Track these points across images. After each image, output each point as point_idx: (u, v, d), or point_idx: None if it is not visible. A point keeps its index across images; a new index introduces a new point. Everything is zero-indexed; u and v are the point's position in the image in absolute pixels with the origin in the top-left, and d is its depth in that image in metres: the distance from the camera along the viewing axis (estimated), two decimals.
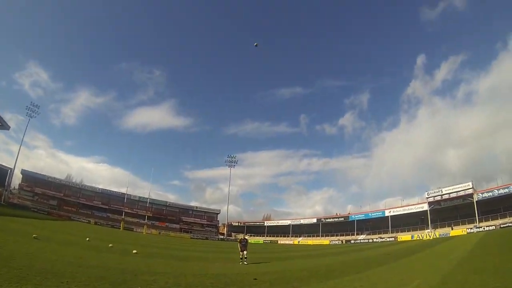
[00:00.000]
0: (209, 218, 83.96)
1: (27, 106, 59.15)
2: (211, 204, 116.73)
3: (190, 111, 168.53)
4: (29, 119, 59.29)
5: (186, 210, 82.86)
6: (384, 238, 53.75)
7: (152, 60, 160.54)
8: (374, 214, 59.89)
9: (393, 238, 52.02)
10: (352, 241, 56.44)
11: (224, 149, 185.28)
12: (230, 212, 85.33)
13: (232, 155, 79.16)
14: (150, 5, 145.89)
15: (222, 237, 75.20)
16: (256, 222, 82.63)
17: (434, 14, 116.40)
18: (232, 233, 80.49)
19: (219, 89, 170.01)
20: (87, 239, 19.30)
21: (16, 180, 64.82)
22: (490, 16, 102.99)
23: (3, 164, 57.22)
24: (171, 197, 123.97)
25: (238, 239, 20.43)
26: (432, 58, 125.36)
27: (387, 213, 56.60)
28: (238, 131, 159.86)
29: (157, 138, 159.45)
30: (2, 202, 44.27)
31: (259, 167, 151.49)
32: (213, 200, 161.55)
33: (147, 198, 75.65)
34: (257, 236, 75.16)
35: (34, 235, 14.39)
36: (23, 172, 66.00)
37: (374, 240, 53.60)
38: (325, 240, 61.11)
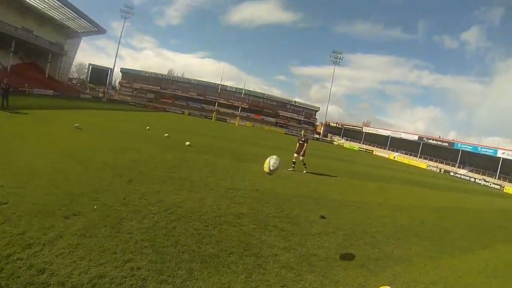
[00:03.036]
0: (307, 114, 79.95)
1: (121, 9, 60.26)
2: (315, 102, 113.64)
3: (299, 6, 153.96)
4: (124, 21, 61.29)
5: (284, 104, 79.64)
6: (489, 182, 40.06)
7: None
8: (484, 150, 42.50)
9: (499, 186, 38.24)
10: (452, 173, 44.42)
11: (333, 47, 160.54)
12: (332, 112, 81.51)
13: (337, 51, 69.95)
14: None
15: (317, 136, 73.05)
16: (354, 127, 74.95)
17: None
18: (329, 134, 77.23)
19: None
20: (147, 128, 17.75)
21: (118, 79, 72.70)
22: None
23: (104, 65, 63.33)
24: (276, 92, 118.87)
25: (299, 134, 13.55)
26: None
27: (499, 154, 39.02)
28: (349, 30, 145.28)
29: (263, 33, 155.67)
30: (103, 99, 50.37)
31: (367, 70, 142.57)
32: (317, 99, 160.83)
33: (243, 89, 73.33)
34: (353, 141, 70.13)
35: (76, 124, 12.43)
36: (122, 70, 71.64)
37: (477, 180, 40.46)
38: (422, 163, 50.99)
